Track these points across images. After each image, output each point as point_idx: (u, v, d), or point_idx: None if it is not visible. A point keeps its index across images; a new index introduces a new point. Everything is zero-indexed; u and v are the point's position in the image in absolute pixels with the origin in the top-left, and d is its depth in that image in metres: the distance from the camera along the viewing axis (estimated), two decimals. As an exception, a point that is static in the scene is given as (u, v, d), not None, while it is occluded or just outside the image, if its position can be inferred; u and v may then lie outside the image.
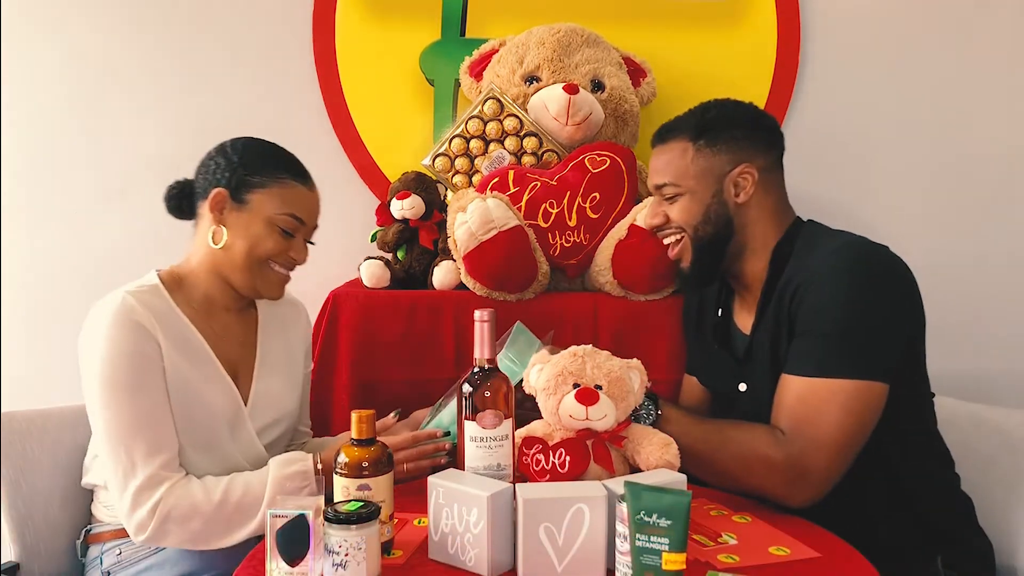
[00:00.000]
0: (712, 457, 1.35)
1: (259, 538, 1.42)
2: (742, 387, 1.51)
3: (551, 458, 1.27)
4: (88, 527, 1.47)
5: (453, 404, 1.51)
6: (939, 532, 1.40)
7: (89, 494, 1.51)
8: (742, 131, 1.48)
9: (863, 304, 1.33)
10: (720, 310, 1.60)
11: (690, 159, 1.47)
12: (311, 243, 1.52)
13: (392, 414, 1.52)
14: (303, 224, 1.46)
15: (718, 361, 1.58)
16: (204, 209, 1.43)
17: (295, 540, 1.06)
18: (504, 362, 1.46)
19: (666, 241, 1.56)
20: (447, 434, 1.47)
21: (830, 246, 1.40)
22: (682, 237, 1.51)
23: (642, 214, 1.71)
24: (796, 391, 1.34)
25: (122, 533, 1.38)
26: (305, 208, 1.46)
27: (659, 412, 1.36)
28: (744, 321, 1.54)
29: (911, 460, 1.41)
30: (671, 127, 1.52)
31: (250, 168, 1.43)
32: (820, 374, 1.32)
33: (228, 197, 1.42)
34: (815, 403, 1.31)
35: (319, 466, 1.37)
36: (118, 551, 1.40)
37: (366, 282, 1.82)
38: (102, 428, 1.33)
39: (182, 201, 1.47)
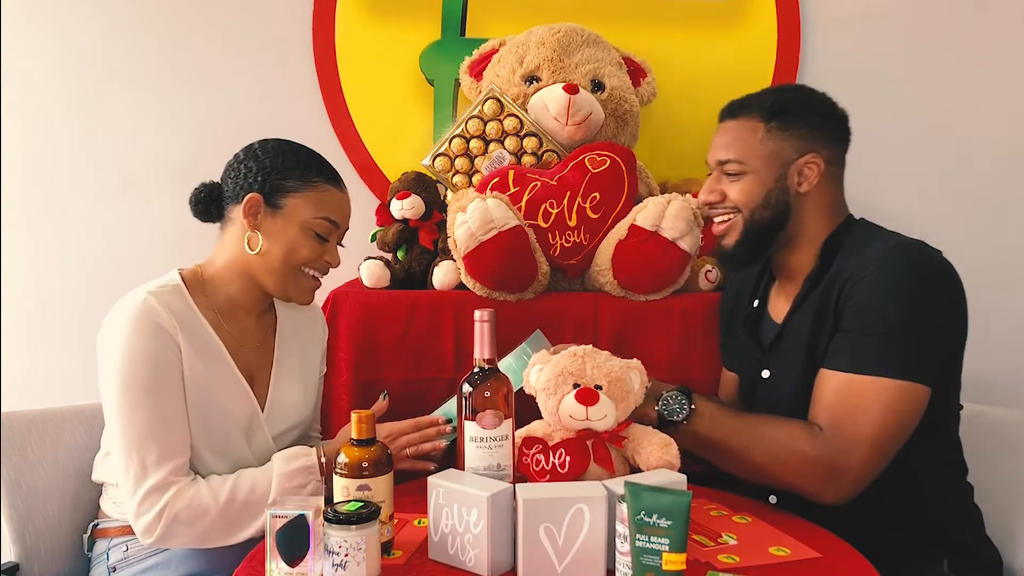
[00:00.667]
0: (746, 452, 1.34)
1: (260, 537, 1.42)
2: (765, 374, 1.50)
3: (551, 458, 1.28)
4: (95, 522, 1.47)
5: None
6: (948, 538, 1.40)
7: (92, 492, 1.52)
8: (816, 120, 1.46)
9: (915, 306, 1.32)
10: (756, 301, 1.59)
11: (759, 139, 1.44)
12: (341, 246, 1.51)
13: (381, 396, 1.51)
14: (337, 227, 1.46)
15: (744, 348, 1.58)
16: (236, 213, 1.42)
17: (295, 540, 1.06)
18: (521, 357, 1.48)
19: (716, 219, 1.52)
20: (449, 421, 1.48)
21: (884, 245, 1.39)
22: (735, 217, 1.48)
23: (650, 207, 1.69)
24: (837, 386, 1.32)
25: (129, 530, 1.38)
26: (339, 211, 1.46)
27: (692, 406, 1.35)
28: (778, 310, 1.53)
29: (931, 465, 1.40)
30: (743, 104, 1.48)
31: (283, 172, 1.42)
32: (864, 371, 1.30)
33: (262, 202, 1.41)
34: (857, 399, 1.30)
35: (323, 460, 1.37)
36: (124, 547, 1.40)
37: (366, 282, 1.82)
38: (117, 429, 1.33)
39: (210, 205, 1.46)
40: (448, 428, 1.47)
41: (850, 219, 1.50)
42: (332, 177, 1.46)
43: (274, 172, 1.41)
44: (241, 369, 1.43)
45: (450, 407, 1.52)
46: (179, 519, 1.30)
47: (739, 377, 1.62)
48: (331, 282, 1.87)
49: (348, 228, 1.51)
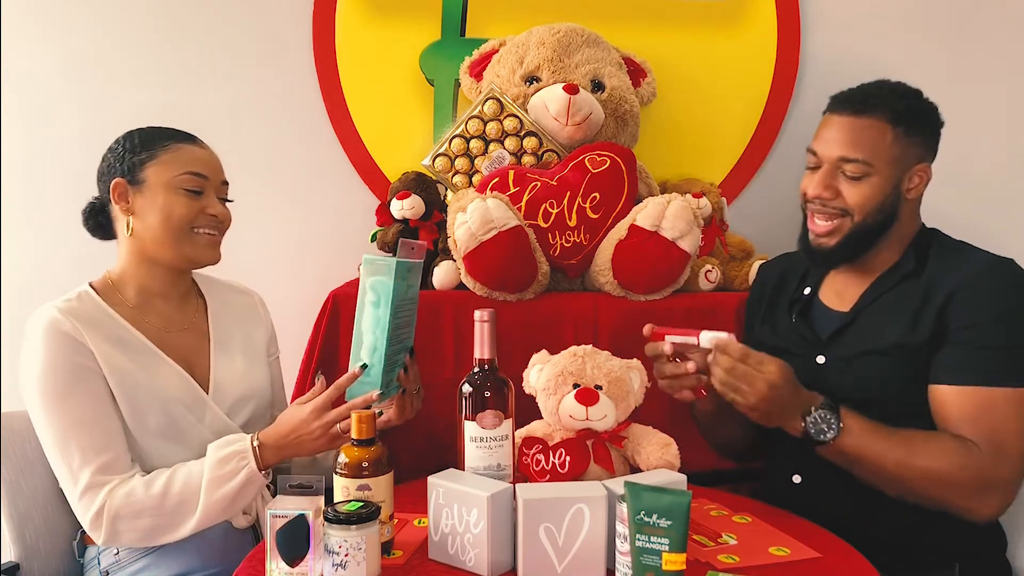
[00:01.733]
0: (898, 469, 1.31)
1: (259, 538, 1.42)
2: (820, 359, 1.48)
3: (551, 458, 1.28)
4: (82, 528, 1.47)
5: (363, 312, 1.35)
6: (963, 544, 1.39)
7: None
8: (932, 128, 1.47)
9: None
10: (808, 288, 1.57)
11: (889, 142, 1.41)
12: (229, 200, 1.52)
13: (316, 376, 1.47)
14: (206, 179, 1.47)
15: (791, 332, 1.55)
16: (114, 209, 1.46)
17: (295, 540, 1.06)
18: (370, 294, 1.33)
19: (819, 216, 1.47)
20: (364, 367, 1.33)
21: (985, 259, 1.41)
22: (843, 219, 1.44)
23: (650, 207, 1.67)
24: (971, 400, 1.32)
25: None
26: (200, 163, 1.47)
27: (841, 424, 1.32)
28: (837, 298, 1.52)
29: None
30: (867, 101, 1.44)
31: (135, 149, 1.45)
32: (994, 383, 1.31)
33: (126, 184, 1.44)
34: (996, 411, 1.31)
35: (255, 444, 1.36)
36: (115, 551, 1.40)
37: (366, 282, 1.81)
38: (44, 441, 1.36)
39: (98, 217, 1.49)
40: (375, 396, 1.32)
41: (923, 225, 1.52)
42: (184, 137, 1.49)
43: (127, 154, 1.45)
44: (173, 353, 1.44)
45: (356, 349, 1.36)
46: (119, 516, 1.31)
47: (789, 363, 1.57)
48: (331, 282, 1.88)
49: (226, 182, 1.51)
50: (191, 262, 1.49)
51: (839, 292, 1.52)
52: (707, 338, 1.31)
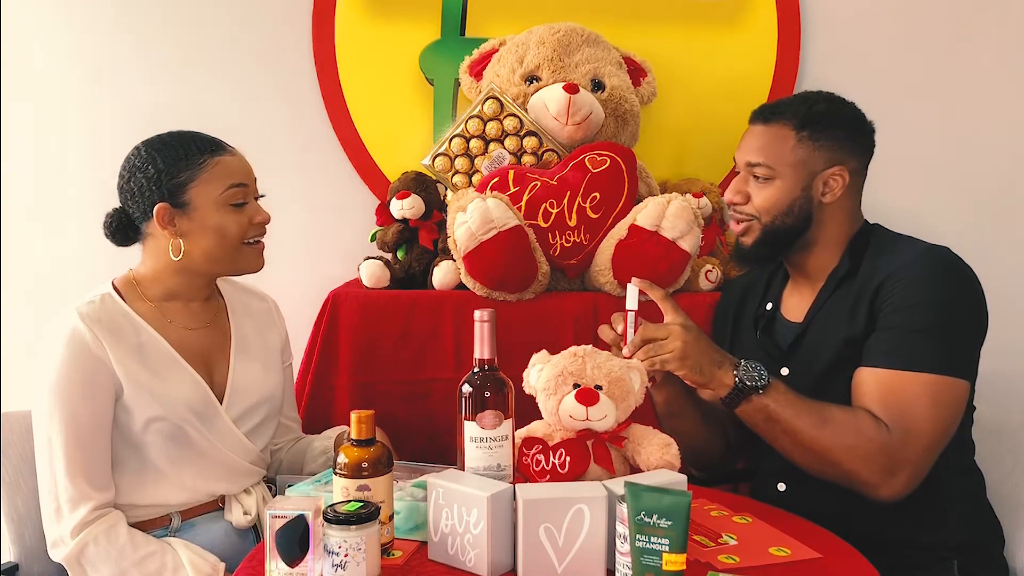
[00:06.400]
0: (812, 433, 1.33)
1: (259, 538, 1.42)
2: (784, 371, 1.49)
3: (551, 458, 1.28)
4: None
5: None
6: (960, 539, 1.40)
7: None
8: (845, 132, 1.48)
9: (955, 305, 1.38)
10: (769, 304, 1.60)
11: (790, 147, 1.46)
12: (260, 196, 1.52)
13: None
14: (247, 187, 1.47)
15: (757, 350, 1.57)
16: (152, 228, 1.43)
17: (295, 540, 1.06)
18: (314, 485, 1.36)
19: (733, 218, 1.55)
20: None
21: (917, 247, 1.44)
22: (753, 222, 1.50)
23: (650, 206, 1.68)
24: (885, 383, 1.34)
25: None
26: (240, 172, 1.47)
27: (768, 381, 1.35)
28: (793, 310, 1.55)
29: (947, 466, 1.40)
30: (776, 109, 1.50)
31: (171, 169, 1.42)
32: (909, 367, 1.33)
33: (170, 208, 1.41)
34: (907, 395, 1.33)
35: None
36: None
37: (366, 282, 1.81)
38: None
39: (127, 230, 1.46)
40: None
41: (866, 223, 1.54)
42: (214, 147, 1.46)
43: (164, 174, 1.42)
44: (194, 354, 1.45)
45: None
46: (96, 542, 1.32)
47: None
48: (331, 282, 1.88)
49: (256, 179, 1.51)
50: (241, 272, 1.50)
51: (795, 304, 1.55)
52: (632, 301, 1.44)
